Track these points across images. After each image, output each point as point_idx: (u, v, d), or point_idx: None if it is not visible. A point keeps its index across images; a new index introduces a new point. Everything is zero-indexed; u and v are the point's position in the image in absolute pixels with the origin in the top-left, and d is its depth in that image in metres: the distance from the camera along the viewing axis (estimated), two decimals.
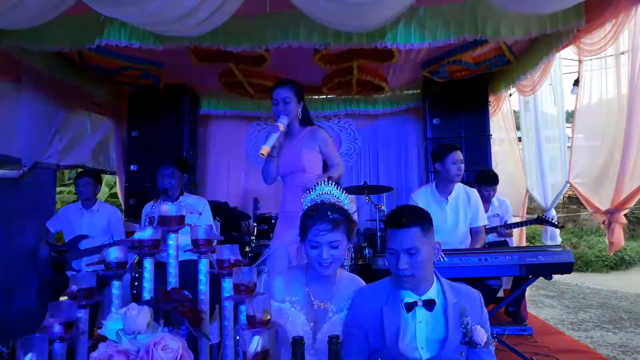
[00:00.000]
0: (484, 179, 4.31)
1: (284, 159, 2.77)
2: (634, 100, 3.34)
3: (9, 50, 3.67)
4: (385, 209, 4.61)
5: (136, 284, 3.02)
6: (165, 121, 5.29)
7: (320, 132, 2.85)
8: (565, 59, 4.61)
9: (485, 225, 3.47)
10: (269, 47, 3.70)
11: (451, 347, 1.60)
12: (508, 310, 4.02)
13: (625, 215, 3.79)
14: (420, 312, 1.66)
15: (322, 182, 1.94)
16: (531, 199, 5.47)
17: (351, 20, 3.11)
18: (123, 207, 5.36)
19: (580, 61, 4.03)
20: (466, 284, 1.78)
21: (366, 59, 4.38)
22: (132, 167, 5.29)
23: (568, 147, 4.70)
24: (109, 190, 8.69)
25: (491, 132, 5.28)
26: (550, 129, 5.00)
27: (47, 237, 3.82)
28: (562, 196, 5.27)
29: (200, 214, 3.31)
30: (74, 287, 1.30)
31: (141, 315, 1.12)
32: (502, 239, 4.33)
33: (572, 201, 11.93)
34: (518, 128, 5.93)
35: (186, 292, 1.33)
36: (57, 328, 1.16)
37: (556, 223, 4.39)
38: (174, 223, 1.39)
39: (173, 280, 1.39)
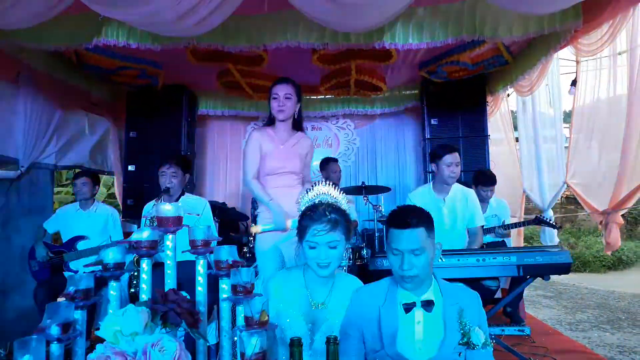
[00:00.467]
0: (481, 179, 4.31)
1: (277, 160, 2.76)
2: (632, 101, 3.35)
3: (7, 49, 3.66)
4: (383, 210, 4.61)
5: (135, 282, 3.01)
6: (163, 121, 5.29)
7: (311, 142, 2.93)
8: (562, 59, 4.63)
9: (482, 226, 3.47)
10: (267, 47, 3.70)
11: (449, 347, 1.59)
12: (506, 311, 4.02)
13: (622, 215, 3.80)
14: (419, 312, 1.66)
15: (319, 183, 1.94)
16: (529, 199, 5.48)
17: (349, 20, 3.11)
18: (121, 208, 5.35)
19: (577, 62, 4.04)
20: (464, 285, 1.78)
21: (364, 59, 4.38)
22: (129, 168, 5.29)
23: (565, 147, 4.71)
24: (107, 191, 8.67)
25: (489, 133, 5.30)
26: (548, 129, 5.01)
27: (44, 238, 3.80)
28: (559, 196, 5.28)
29: (199, 215, 3.31)
30: (71, 288, 1.29)
31: (139, 317, 1.12)
32: (500, 239, 4.33)
33: (570, 201, 11.95)
34: (515, 128, 5.94)
35: (184, 293, 1.33)
36: (54, 329, 1.16)
37: (554, 223, 4.39)
38: (172, 224, 1.38)
39: (171, 281, 1.38)
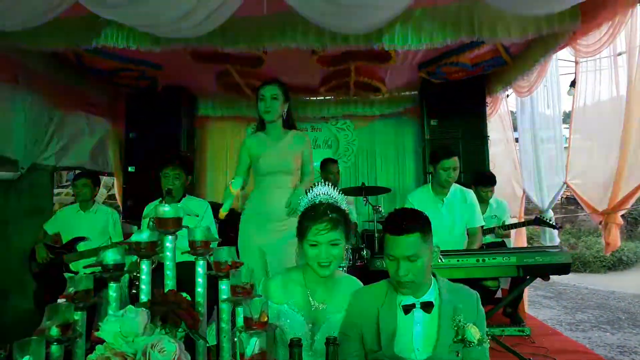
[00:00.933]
0: (481, 179, 4.32)
1: (270, 159, 2.77)
2: (631, 101, 3.35)
3: (6, 51, 3.66)
4: (383, 210, 4.62)
5: (136, 283, 3.00)
6: (162, 123, 5.29)
7: (307, 137, 2.91)
8: (561, 60, 4.63)
9: (482, 226, 3.47)
10: (266, 48, 3.70)
11: (444, 346, 1.59)
12: (506, 311, 4.02)
13: (622, 216, 3.80)
14: (418, 314, 1.66)
15: (318, 184, 1.95)
16: (529, 199, 5.48)
17: (348, 22, 3.11)
18: (121, 209, 5.35)
19: (576, 62, 4.04)
20: (465, 285, 1.78)
21: (363, 60, 4.39)
22: (129, 169, 5.29)
23: (565, 147, 4.70)
24: (107, 192, 8.67)
25: (488, 133, 5.30)
26: (548, 130, 5.01)
27: (44, 239, 3.80)
28: (559, 197, 5.28)
29: (198, 216, 3.31)
30: (71, 289, 1.29)
31: (138, 318, 1.12)
32: (500, 239, 4.33)
33: (570, 202, 11.96)
34: (515, 129, 5.95)
35: (184, 294, 1.33)
36: (54, 330, 1.16)
37: (554, 224, 4.39)
38: (172, 225, 1.38)
39: (170, 282, 1.39)
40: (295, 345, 1.30)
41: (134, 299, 2.98)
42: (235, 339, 1.34)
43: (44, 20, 2.87)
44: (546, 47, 3.88)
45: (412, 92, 5.89)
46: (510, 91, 5.31)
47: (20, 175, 4.10)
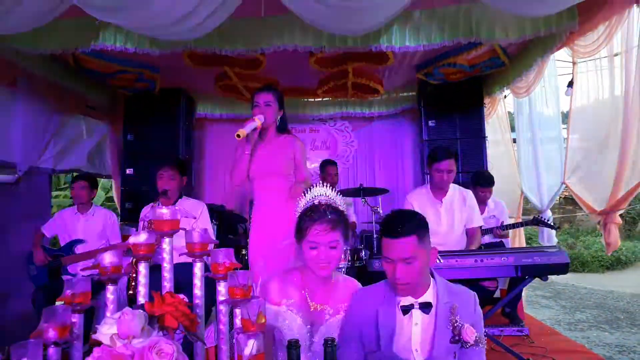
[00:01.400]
0: (479, 180, 4.32)
1: (259, 161, 2.78)
2: (629, 101, 3.36)
3: (4, 53, 3.66)
4: (381, 211, 4.62)
5: (133, 284, 3.01)
6: (161, 125, 5.29)
7: (298, 141, 2.89)
8: (559, 60, 4.64)
9: (480, 227, 3.47)
10: (264, 50, 3.71)
11: (441, 346, 1.59)
12: (504, 311, 4.02)
13: (620, 215, 3.81)
14: (417, 314, 1.66)
15: (316, 185, 1.95)
16: (527, 200, 5.48)
17: (346, 24, 3.12)
18: (119, 211, 5.35)
19: (574, 63, 4.05)
20: (463, 285, 1.78)
21: (361, 61, 4.39)
22: (127, 171, 5.29)
23: (563, 148, 4.71)
24: (105, 194, 8.67)
25: (486, 134, 5.31)
26: (545, 130, 5.03)
27: (42, 242, 3.80)
28: (558, 197, 5.29)
29: (195, 217, 3.31)
30: (68, 292, 1.29)
31: (135, 320, 1.12)
32: (498, 240, 4.34)
33: (569, 202, 11.99)
34: (513, 130, 5.96)
35: (182, 296, 1.33)
36: (51, 333, 1.16)
37: (552, 224, 4.40)
38: (168, 227, 1.39)
39: (168, 284, 1.39)
40: (293, 346, 1.30)
41: (131, 301, 2.99)
42: (234, 341, 1.34)
43: (42, 23, 2.87)
44: (544, 47, 3.89)
45: (410, 93, 5.90)
46: (508, 92, 5.32)
47: (18, 178, 4.09)
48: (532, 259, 2.73)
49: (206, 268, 1.50)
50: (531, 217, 4.55)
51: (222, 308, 1.40)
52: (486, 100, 5.44)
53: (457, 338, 1.53)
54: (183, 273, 1.68)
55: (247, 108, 5.84)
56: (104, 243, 3.81)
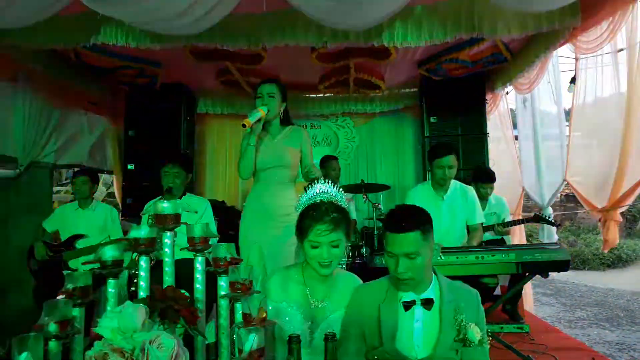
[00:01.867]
0: (481, 176, 4.31)
1: (266, 153, 2.77)
2: (632, 98, 3.34)
3: (5, 49, 3.65)
4: (382, 208, 4.61)
5: (135, 281, 3.01)
6: (162, 120, 5.29)
7: (304, 131, 2.89)
8: (562, 56, 4.62)
9: (482, 223, 3.47)
10: (265, 45, 3.69)
11: (445, 345, 1.59)
12: (505, 308, 4.02)
13: (621, 213, 3.80)
14: (418, 310, 1.66)
15: (317, 181, 1.94)
16: (527, 197, 5.47)
17: (348, 19, 3.10)
18: (120, 207, 5.35)
19: (577, 59, 4.03)
20: (464, 283, 1.78)
21: (363, 57, 4.38)
22: (129, 167, 5.29)
23: (566, 145, 4.70)
24: (107, 190, 8.68)
25: (488, 131, 5.29)
26: (547, 127, 5.01)
27: (43, 237, 3.80)
28: (559, 194, 5.28)
29: (197, 212, 3.31)
30: (69, 286, 1.29)
31: (136, 314, 1.12)
32: (499, 237, 4.33)
33: (570, 199, 11.97)
34: (515, 127, 5.95)
35: (182, 291, 1.33)
36: (52, 326, 1.16)
37: (553, 221, 4.39)
38: (170, 221, 1.38)
39: (169, 279, 1.38)
40: (294, 341, 1.30)
41: (132, 297, 2.99)
42: (235, 337, 1.34)
43: (43, 18, 2.87)
44: (546, 43, 3.87)
45: (412, 89, 5.89)
46: (510, 88, 5.31)
47: (19, 173, 4.09)
48: (533, 256, 2.73)
49: (207, 264, 1.50)
50: (532, 214, 4.55)
51: (223, 303, 1.40)
52: (488, 97, 5.42)
53: (462, 337, 1.53)
54: (184, 269, 1.68)
55: (248, 104, 5.85)
56: (105, 238, 3.80)
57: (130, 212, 5.11)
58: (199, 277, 1.40)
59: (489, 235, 4.26)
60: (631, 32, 3.29)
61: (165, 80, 5.04)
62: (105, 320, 1.14)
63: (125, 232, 4.06)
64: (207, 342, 1.41)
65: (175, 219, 1.39)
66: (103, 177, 7.64)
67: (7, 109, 3.99)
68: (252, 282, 1.38)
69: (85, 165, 5.09)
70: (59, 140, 4.67)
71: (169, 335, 1.11)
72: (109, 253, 1.35)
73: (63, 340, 1.19)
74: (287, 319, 1.77)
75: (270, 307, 1.72)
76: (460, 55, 4.43)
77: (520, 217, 5.15)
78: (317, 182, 1.95)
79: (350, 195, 4.89)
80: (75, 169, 4.70)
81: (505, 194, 4.83)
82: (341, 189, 1.96)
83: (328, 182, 1.94)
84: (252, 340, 1.17)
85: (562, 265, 2.73)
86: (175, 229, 1.42)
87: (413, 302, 1.66)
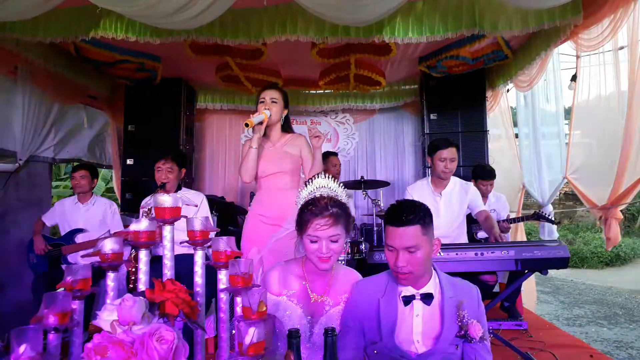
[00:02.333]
0: (481, 173, 4.31)
1: (266, 160, 2.77)
2: (633, 96, 3.34)
3: (5, 42, 3.64)
4: (382, 204, 4.61)
5: (133, 278, 3.01)
6: (161, 115, 5.28)
7: (303, 137, 2.89)
8: (563, 54, 4.61)
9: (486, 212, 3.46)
10: (266, 40, 3.68)
11: (446, 340, 1.59)
12: (503, 305, 4.03)
13: (621, 211, 3.80)
14: (418, 305, 1.66)
15: (318, 176, 1.93)
16: (528, 195, 5.48)
17: (349, 14, 3.09)
18: (119, 202, 5.35)
19: (578, 57, 4.03)
20: (463, 279, 1.78)
21: (364, 53, 4.37)
22: (128, 161, 5.28)
23: (565, 143, 4.71)
24: (106, 185, 8.67)
25: (488, 128, 5.29)
26: (547, 126, 5.01)
27: (42, 231, 3.80)
28: (558, 192, 5.28)
29: (197, 206, 3.31)
30: (68, 278, 1.28)
31: (136, 306, 1.11)
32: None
33: (569, 197, 11.98)
34: (515, 125, 5.95)
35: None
36: (51, 319, 1.15)
37: (552, 219, 4.40)
38: (170, 215, 1.38)
39: (169, 272, 1.38)
40: (293, 335, 1.29)
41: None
42: (234, 331, 1.34)
43: (42, 11, 2.85)
44: (547, 40, 3.86)
45: (412, 86, 5.88)
46: (510, 85, 5.30)
47: (18, 167, 4.09)
48: (532, 253, 2.73)
49: (206, 259, 1.49)
50: (531, 212, 4.55)
51: (223, 296, 1.39)
52: (488, 94, 5.42)
53: (463, 333, 1.53)
54: (183, 264, 1.67)
55: (247, 99, 5.86)
56: (104, 232, 3.80)
57: (129, 207, 5.11)
58: (198, 270, 1.40)
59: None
60: (633, 29, 3.28)
61: (165, 75, 5.03)
62: (104, 312, 1.14)
63: (125, 227, 4.07)
64: (206, 338, 1.40)
65: (175, 213, 1.38)
66: (102, 172, 7.64)
67: (7, 103, 3.98)
68: (252, 275, 1.37)
69: (85, 159, 5.09)
70: (59, 134, 4.67)
71: (169, 327, 1.11)
72: (109, 246, 1.35)
73: (62, 332, 1.19)
74: (287, 313, 1.76)
75: (269, 301, 1.72)
76: (461, 52, 4.42)
77: (520, 215, 5.16)
78: (318, 177, 1.94)
79: (350, 191, 4.89)
80: (75, 164, 4.70)
81: (505, 192, 4.83)
82: (341, 185, 1.95)
83: (328, 177, 1.94)
84: (251, 334, 1.17)
85: (561, 263, 2.73)
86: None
87: (412, 297, 1.66)
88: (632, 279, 8.49)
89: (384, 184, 4.90)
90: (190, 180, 5.52)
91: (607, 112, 3.86)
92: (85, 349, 1.06)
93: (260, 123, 2.65)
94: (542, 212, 4.42)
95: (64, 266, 3.59)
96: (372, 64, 4.87)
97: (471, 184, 3.45)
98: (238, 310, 1.35)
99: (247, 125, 2.57)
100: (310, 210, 1.76)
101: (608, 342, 4.85)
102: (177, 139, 5.30)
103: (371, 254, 2.86)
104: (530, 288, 4.77)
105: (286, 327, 1.68)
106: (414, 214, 1.62)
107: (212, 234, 1.47)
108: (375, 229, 4.58)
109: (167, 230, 1.38)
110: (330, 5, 2.89)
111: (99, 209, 3.85)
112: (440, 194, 3.34)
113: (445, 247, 2.75)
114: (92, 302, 3.02)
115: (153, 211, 1.42)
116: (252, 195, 5.08)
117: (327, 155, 4.99)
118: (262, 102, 2.78)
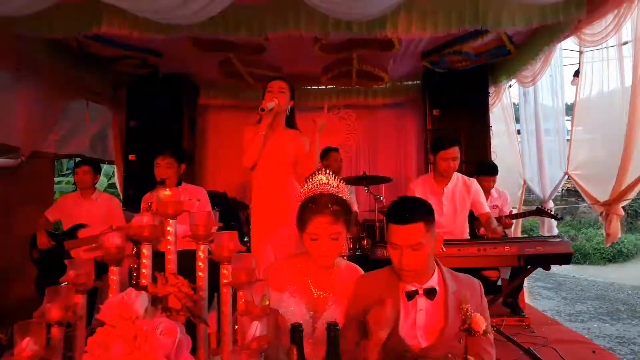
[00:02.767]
0: (483, 169, 4.31)
1: (267, 149, 2.77)
2: (637, 92, 3.32)
3: (7, 38, 3.63)
4: (384, 200, 4.61)
5: (135, 274, 3.01)
6: (164, 111, 5.27)
7: (300, 137, 2.90)
8: (566, 49, 4.59)
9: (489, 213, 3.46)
10: (268, 36, 3.67)
11: (449, 334, 1.59)
12: (505, 301, 4.03)
13: (623, 207, 3.79)
14: (421, 300, 1.66)
15: (319, 172, 1.93)
16: (529, 191, 5.47)
17: (351, 9, 3.08)
18: (121, 197, 5.35)
19: (581, 52, 4.01)
20: (466, 273, 1.78)
21: (366, 48, 4.35)
22: (130, 157, 5.28)
23: (567, 139, 4.69)
24: (108, 180, 8.67)
25: (490, 124, 5.28)
26: (550, 121, 5.00)
27: (45, 226, 3.81)
28: (560, 188, 5.27)
29: (199, 200, 3.32)
30: (71, 272, 1.28)
31: (139, 300, 1.11)
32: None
33: (571, 193, 11.96)
34: (517, 120, 5.93)
35: None
36: (54, 312, 1.15)
37: (555, 214, 4.39)
38: (172, 209, 1.37)
39: (171, 266, 1.38)
40: (296, 330, 1.30)
41: None
42: (236, 326, 1.34)
43: (45, 6, 2.85)
44: (550, 36, 3.85)
45: (415, 82, 5.87)
46: (513, 81, 5.28)
47: (21, 162, 4.09)
48: (535, 249, 2.73)
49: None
50: (533, 208, 4.54)
51: (226, 291, 1.39)
52: (491, 90, 5.40)
53: (467, 327, 1.53)
54: (184, 260, 1.67)
55: (250, 95, 5.84)
56: (107, 228, 3.81)
57: (132, 203, 5.11)
58: (201, 265, 1.40)
59: None
60: (637, 24, 3.26)
61: (168, 71, 5.03)
62: (107, 306, 1.14)
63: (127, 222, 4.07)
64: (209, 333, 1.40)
65: (178, 207, 1.38)
66: (104, 167, 7.64)
67: (9, 97, 3.98)
68: (254, 270, 1.37)
69: (87, 155, 5.09)
70: (61, 130, 4.67)
71: (172, 322, 1.11)
72: (112, 240, 1.35)
73: (65, 326, 1.19)
74: (289, 309, 1.76)
75: (272, 296, 1.72)
76: (464, 47, 4.40)
77: (522, 211, 5.15)
78: (318, 173, 1.93)
79: (352, 187, 4.89)
80: (77, 159, 4.71)
81: (507, 188, 4.82)
82: (342, 181, 1.95)
83: (329, 174, 1.93)
84: (254, 329, 1.17)
85: (564, 258, 2.73)
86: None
87: (415, 292, 1.66)
88: (634, 275, 8.48)
89: (386, 179, 4.89)
90: (192, 176, 5.52)
91: (610, 107, 3.84)
92: (89, 343, 1.06)
93: (271, 110, 2.66)
94: (544, 208, 4.42)
95: (66, 261, 3.63)
96: (374, 59, 4.85)
97: (474, 180, 3.45)
98: (241, 304, 1.35)
99: (262, 110, 2.57)
100: (310, 208, 1.76)
101: (610, 337, 4.85)
102: (179, 134, 5.30)
103: (373, 250, 2.86)
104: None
105: (288, 323, 1.68)
106: (417, 211, 1.62)
107: (214, 228, 1.47)
108: (377, 225, 4.58)
109: (169, 224, 1.37)
110: (333, 0, 2.88)
111: (102, 204, 3.86)
112: (443, 190, 3.33)
113: (448, 242, 2.74)
114: (95, 296, 3.03)
115: (154, 206, 1.41)
116: None
117: (328, 151, 4.98)
118: (271, 91, 2.78)
